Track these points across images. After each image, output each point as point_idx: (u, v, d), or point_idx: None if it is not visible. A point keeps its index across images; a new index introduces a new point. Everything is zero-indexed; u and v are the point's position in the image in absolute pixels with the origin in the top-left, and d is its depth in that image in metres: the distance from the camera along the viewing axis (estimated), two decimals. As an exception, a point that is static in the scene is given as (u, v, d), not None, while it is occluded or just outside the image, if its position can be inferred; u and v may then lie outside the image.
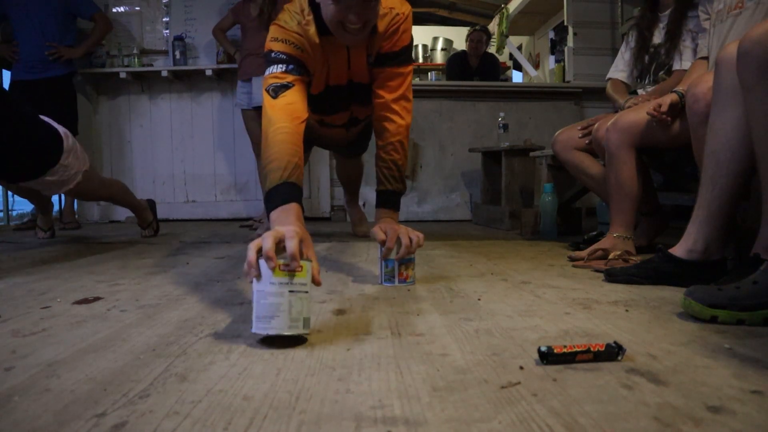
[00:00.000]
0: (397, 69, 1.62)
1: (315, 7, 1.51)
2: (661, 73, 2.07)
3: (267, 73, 1.47)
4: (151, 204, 2.86)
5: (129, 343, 0.92)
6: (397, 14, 1.57)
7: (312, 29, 1.52)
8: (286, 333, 0.87)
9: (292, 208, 1.20)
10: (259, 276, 0.89)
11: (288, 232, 0.96)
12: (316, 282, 0.95)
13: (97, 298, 1.29)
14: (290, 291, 0.87)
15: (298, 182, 1.27)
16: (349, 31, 1.45)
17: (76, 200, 3.76)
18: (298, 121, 1.38)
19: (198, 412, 0.64)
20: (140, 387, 0.72)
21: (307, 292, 0.89)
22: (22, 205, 4.29)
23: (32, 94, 3.28)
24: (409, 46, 1.63)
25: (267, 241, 0.92)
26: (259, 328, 0.88)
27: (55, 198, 3.45)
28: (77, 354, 0.86)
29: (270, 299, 0.87)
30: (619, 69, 2.24)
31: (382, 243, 1.41)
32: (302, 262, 0.89)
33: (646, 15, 2.13)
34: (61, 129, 2.14)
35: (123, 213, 3.97)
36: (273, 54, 1.48)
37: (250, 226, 3.32)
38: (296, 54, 1.49)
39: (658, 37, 2.09)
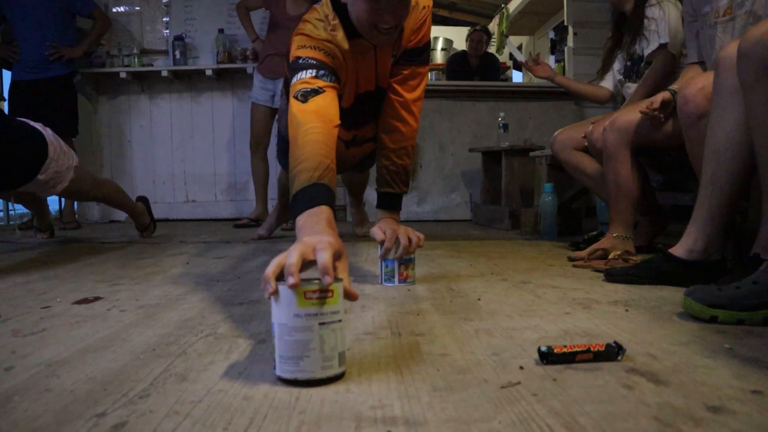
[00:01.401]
0: (419, 68, 1.59)
1: (340, 10, 1.43)
2: (643, 64, 2.13)
3: (295, 79, 1.33)
4: (145, 202, 2.84)
5: (129, 343, 0.92)
6: (423, 8, 1.53)
7: (340, 34, 1.43)
8: (319, 376, 0.71)
9: (323, 212, 0.99)
10: (276, 293, 0.71)
11: (319, 243, 0.79)
12: (352, 296, 0.77)
13: (97, 298, 1.29)
14: (321, 323, 0.70)
15: (331, 185, 1.10)
16: (382, 32, 1.37)
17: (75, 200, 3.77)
18: (331, 125, 1.23)
19: (198, 412, 0.64)
20: (140, 387, 0.72)
21: (340, 320, 0.73)
22: (22, 206, 4.29)
23: (33, 95, 3.28)
24: (430, 42, 1.61)
25: (292, 255, 0.75)
26: (285, 371, 0.71)
27: (54, 198, 3.45)
28: (77, 354, 0.86)
29: (296, 335, 0.70)
30: (607, 81, 2.33)
31: (382, 243, 1.41)
32: (333, 285, 0.72)
33: (618, 28, 2.22)
34: (37, 125, 2.11)
35: (123, 213, 3.97)
36: (301, 60, 1.36)
37: (245, 225, 3.30)
38: (327, 60, 1.38)
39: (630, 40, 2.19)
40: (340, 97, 1.43)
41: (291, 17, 3.12)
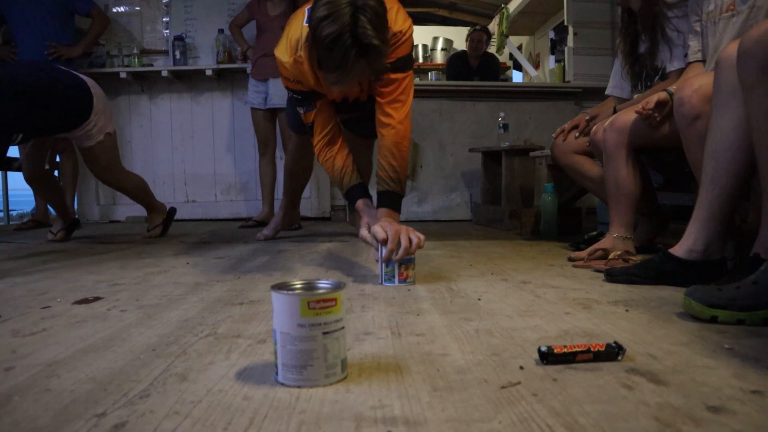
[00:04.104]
0: (393, 75, 1.60)
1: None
2: (656, 78, 2.03)
3: (299, 110, 1.69)
4: (172, 212, 2.88)
5: (129, 343, 0.92)
6: (394, 34, 1.54)
7: (305, 67, 1.56)
8: (322, 384, 0.72)
9: (368, 202, 1.66)
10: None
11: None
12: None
13: (97, 298, 1.29)
14: (324, 333, 0.71)
15: (358, 179, 1.67)
16: None
17: (76, 199, 3.77)
18: (334, 143, 1.68)
19: (198, 412, 0.64)
20: (140, 387, 0.72)
21: (343, 327, 0.73)
22: (22, 205, 4.29)
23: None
24: (406, 56, 1.62)
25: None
26: (288, 379, 0.72)
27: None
28: (77, 354, 0.86)
29: (299, 345, 0.70)
30: (613, 84, 2.22)
31: (383, 243, 1.41)
32: (335, 293, 0.73)
33: (629, 26, 2.08)
34: (88, 81, 2.40)
35: (123, 213, 3.98)
36: (289, 93, 1.68)
37: (250, 226, 3.31)
38: (305, 88, 1.63)
39: (643, 46, 2.05)
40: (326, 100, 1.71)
41: (272, 17, 3.30)
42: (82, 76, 2.43)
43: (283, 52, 1.59)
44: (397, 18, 1.57)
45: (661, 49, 1.97)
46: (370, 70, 1.41)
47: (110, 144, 2.52)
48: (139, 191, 2.75)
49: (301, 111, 1.68)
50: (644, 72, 2.08)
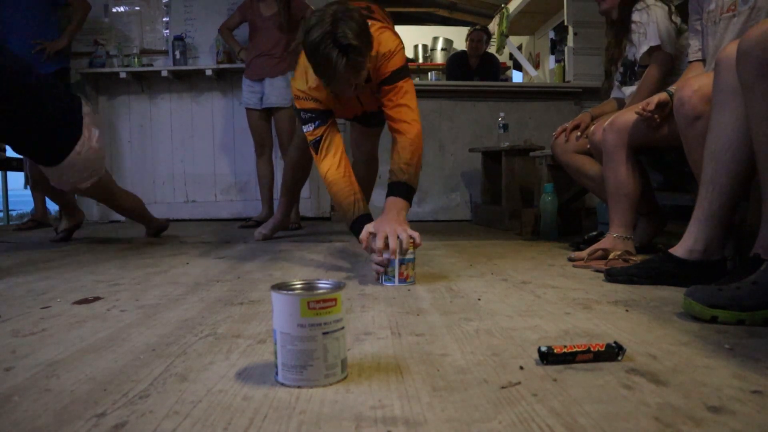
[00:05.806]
0: (391, 85, 1.68)
1: None
2: (637, 68, 2.11)
3: (304, 130, 1.72)
4: (162, 227, 2.86)
5: (129, 343, 0.92)
6: (383, 54, 1.64)
7: (321, 93, 1.67)
8: (322, 384, 0.72)
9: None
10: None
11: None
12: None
13: (97, 298, 1.29)
14: (324, 333, 0.71)
15: (366, 209, 1.64)
16: (347, 93, 1.64)
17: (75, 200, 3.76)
18: (343, 166, 1.66)
19: (198, 412, 0.64)
20: (140, 387, 0.72)
21: (343, 327, 0.74)
22: (22, 205, 4.29)
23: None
24: (400, 68, 1.68)
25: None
26: (288, 379, 0.72)
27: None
28: (77, 354, 0.86)
29: (299, 345, 0.71)
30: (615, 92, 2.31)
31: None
32: (335, 293, 0.73)
33: (612, 40, 2.22)
34: (87, 123, 2.19)
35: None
36: (302, 113, 1.71)
37: (251, 226, 3.31)
38: (320, 107, 1.70)
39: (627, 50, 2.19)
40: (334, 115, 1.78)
41: (266, 17, 3.30)
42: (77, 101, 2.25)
43: (299, 82, 1.70)
44: (386, 40, 1.66)
45: (629, 46, 2.12)
46: (353, 71, 1.49)
47: (97, 189, 2.40)
48: (134, 213, 2.74)
49: (310, 128, 1.69)
50: (627, 71, 2.16)
